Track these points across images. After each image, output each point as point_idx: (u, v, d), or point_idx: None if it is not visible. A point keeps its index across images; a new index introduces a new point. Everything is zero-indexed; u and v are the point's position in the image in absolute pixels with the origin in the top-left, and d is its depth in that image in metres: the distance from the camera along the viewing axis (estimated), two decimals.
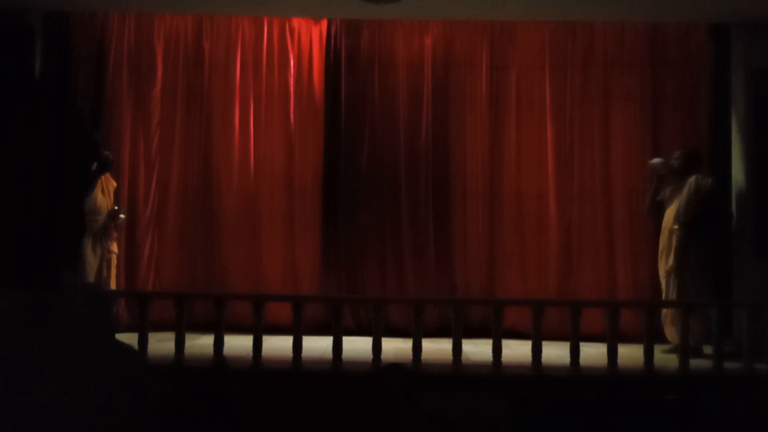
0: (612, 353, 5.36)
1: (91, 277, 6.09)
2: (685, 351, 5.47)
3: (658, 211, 6.57)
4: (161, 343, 5.76)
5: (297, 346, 5.39)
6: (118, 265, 6.64)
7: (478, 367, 5.43)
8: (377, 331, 5.44)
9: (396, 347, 5.94)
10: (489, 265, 7.27)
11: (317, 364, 5.44)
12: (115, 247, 6.48)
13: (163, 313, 6.20)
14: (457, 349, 5.34)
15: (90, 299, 1.32)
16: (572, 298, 6.79)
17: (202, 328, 6.30)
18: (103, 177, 6.34)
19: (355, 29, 7.42)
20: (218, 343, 5.39)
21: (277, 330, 6.18)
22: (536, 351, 5.32)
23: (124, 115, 7.28)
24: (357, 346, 5.80)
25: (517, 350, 5.86)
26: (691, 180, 6.33)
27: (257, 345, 5.38)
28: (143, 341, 5.31)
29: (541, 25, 7.35)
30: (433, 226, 7.28)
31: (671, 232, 6.32)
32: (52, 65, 7.14)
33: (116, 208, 6.44)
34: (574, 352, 5.34)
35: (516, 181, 7.31)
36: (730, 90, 7.06)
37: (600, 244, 7.22)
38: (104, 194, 6.38)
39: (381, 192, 7.32)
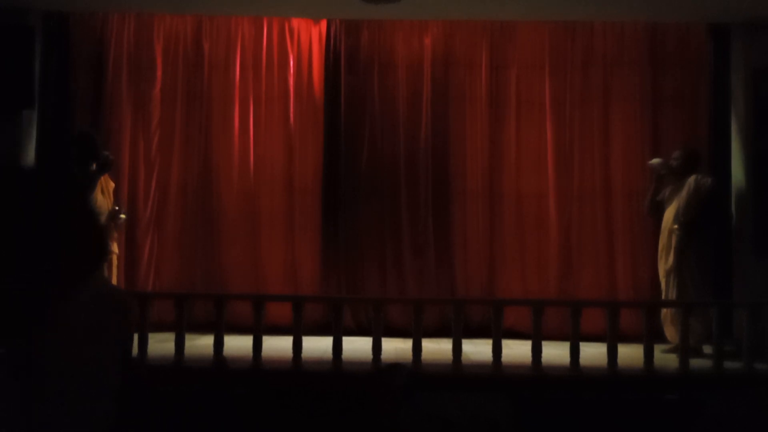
0: (612, 353, 5.36)
1: None
2: (685, 351, 5.47)
3: (657, 211, 6.57)
4: (161, 344, 5.76)
5: (297, 346, 5.39)
6: (117, 266, 6.64)
7: (478, 367, 5.43)
8: (377, 331, 5.44)
9: (396, 347, 5.94)
10: (489, 265, 7.27)
11: (317, 364, 5.44)
12: (115, 248, 6.47)
13: (164, 314, 6.20)
14: (457, 349, 5.34)
15: (110, 303, 1.33)
16: (572, 298, 6.79)
17: (202, 329, 6.30)
18: (102, 177, 6.33)
19: (354, 29, 7.42)
20: (218, 344, 5.39)
21: (277, 330, 6.18)
22: (536, 351, 5.32)
23: (124, 115, 7.28)
24: (357, 346, 5.80)
25: (517, 350, 5.86)
26: (691, 180, 6.34)
27: (257, 345, 5.38)
28: (143, 342, 5.31)
29: (541, 25, 7.35)
30: (433, 226, 7.28)
31: (671, 231, 6.32)
32: (51, 65, 7.14)
33: (117, 208, 6.44)
34: (574, 352, 5.34)
35: (516, 181, 7.31)
36: (730, 90, 7.06)
37: (600, 244, 7.22)
38: (104, 195, 6.38)
39: (381, 192, 7.32)
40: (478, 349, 5.93)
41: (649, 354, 5.40)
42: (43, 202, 1.13)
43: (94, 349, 1.20)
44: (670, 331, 6.17)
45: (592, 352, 5.66)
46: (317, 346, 5.79)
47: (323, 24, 7.42)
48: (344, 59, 7.39)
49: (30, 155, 6.94)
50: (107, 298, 1.34)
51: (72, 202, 1.18)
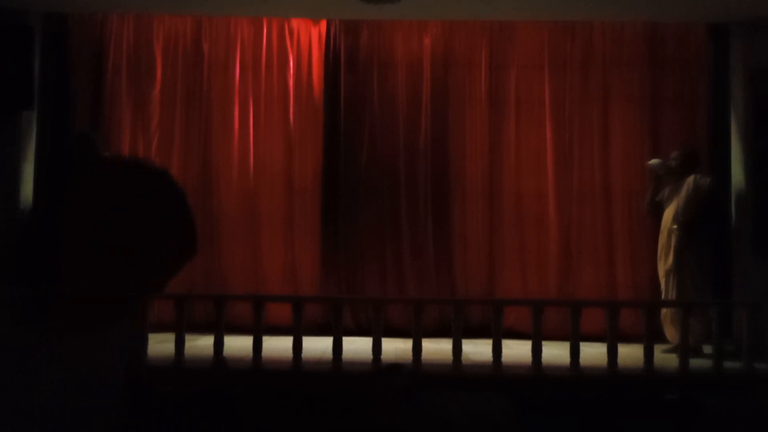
0: (612, 353, 5.36)
1: None
2: (685, 351, 5.47)
3: (657, 211, 6.57)
4: (161, 344, 5.76)
5: (297, 346, 5.39)
6: None
7: (478, 367, 5.43)
8: (377, 332, 5.44)
9: (396, 347, 5.94)
10: (489, 265, 7.26)
11: (317, 364, 5.44)
12: None
13: (164, 314, 6.19)
14: (457, 349, 5.34)
15: None
16: (572, 298, 6.79)
17: (202, 329, 6.30)
18: None
19: (354, 30, 7.41)
20: (218, 344, 5.39)
21: (277, 330, 6.18)
22: (536, 351, 5.32)
23: (124, 115, 7.28)
24: (357, 346, 5.80)
25: (517, 350, 5.86)
26: (690, 180, 6.34)
27: (257, 345, 5.38)
28: (143, 342, 5.30)
29: (541, 25, 7.35)
30: (433, 226, 7.28)
31: (670, 231, 6.32)
32: (51, 66, 7.14)
33: None
34: (574, 352, 5.34)
35: (516, 181, 7.31)
36: (730, 90, 7.06)
37: (600, 244, 7.22)
38: None
39: (381, 192, 7.32)
40: (478, 349, 5.93)
41: (649, 354, 5.40)
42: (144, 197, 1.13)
43: (103, 347, 1.20)
44: (670, 331, 6.17)
45: (592, 352, 5.66)
46: (317, 346, 5.79)
47: (323, 24, 7.42)
48: (344, 59, 7.39)
49: (30, 155, 6.94)
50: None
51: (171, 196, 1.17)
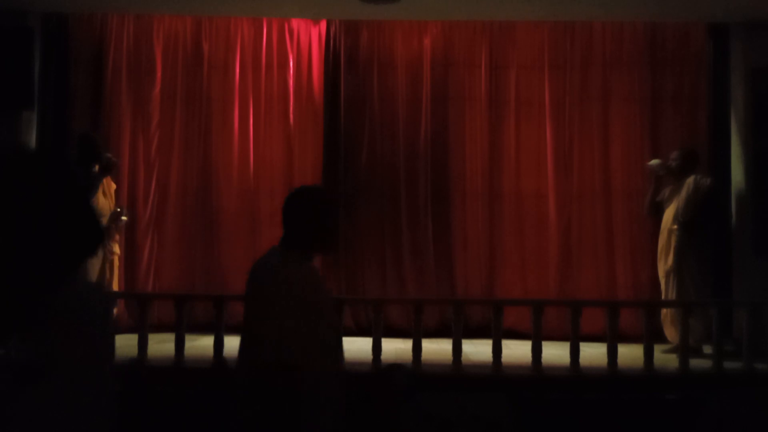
0: (612, 353, 5.36)
1: (94, 278, 6.08)
2: (685, 351, 5.47)
3: (657, 211, 6.57)
4: (161, 345, 5.76)
5: None
6: (118, 267, 6.64)
7: (478, 367, 5.43)
8: (377, 332, 5.43)
9: (396, 347, 5.94)
10: (489, 265, 7.27)
11: None
12: (117, 249, 6.47)
13: (163, 315, 6.19)
14: (457, 349, 5.33)
15: (92, 299, 1.32)
16: (572, 298, 6.79)
17: (202, 329, 6.30)
18: (104, 179, 6.32)
19: (354, 30, 7.42)
20: (218, 344, 5.38)
21: None
22: (536, 351, 5.31)
23: (124, 116, 7.28)
24: (357, 346, 5.79)
25: (517, 350, 5.86)
26: (690, 180, 6.34)
27: None
28: (143, 343, 5.31)
29: (540, 25, 7.35)
30: (433, 226, 7.28)
31: (670, 232, 6.32)
32: (51, 66, 7.14)
33: (119, 210, 6.43)
34: (574, 352, 5.34)
35: (516, 181, 7.32)
36: (729, 89, 7.06)
37: (600, 244, 7.22)
38: (105, 196, 6.37)
39: (380, 192, 7.33)
40: (478, 349, 5.93)
41: (649, 354, 5.39)
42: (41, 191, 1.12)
43: (85, 347, 1.19)
44: (670, 331, 6.17)
45: (592, 352, 5.66)
46: None
47: (323, 24, 7.42)
48: (344, 59, 7.39)
49: None
50: (88, 295, 1.33)
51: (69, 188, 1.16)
